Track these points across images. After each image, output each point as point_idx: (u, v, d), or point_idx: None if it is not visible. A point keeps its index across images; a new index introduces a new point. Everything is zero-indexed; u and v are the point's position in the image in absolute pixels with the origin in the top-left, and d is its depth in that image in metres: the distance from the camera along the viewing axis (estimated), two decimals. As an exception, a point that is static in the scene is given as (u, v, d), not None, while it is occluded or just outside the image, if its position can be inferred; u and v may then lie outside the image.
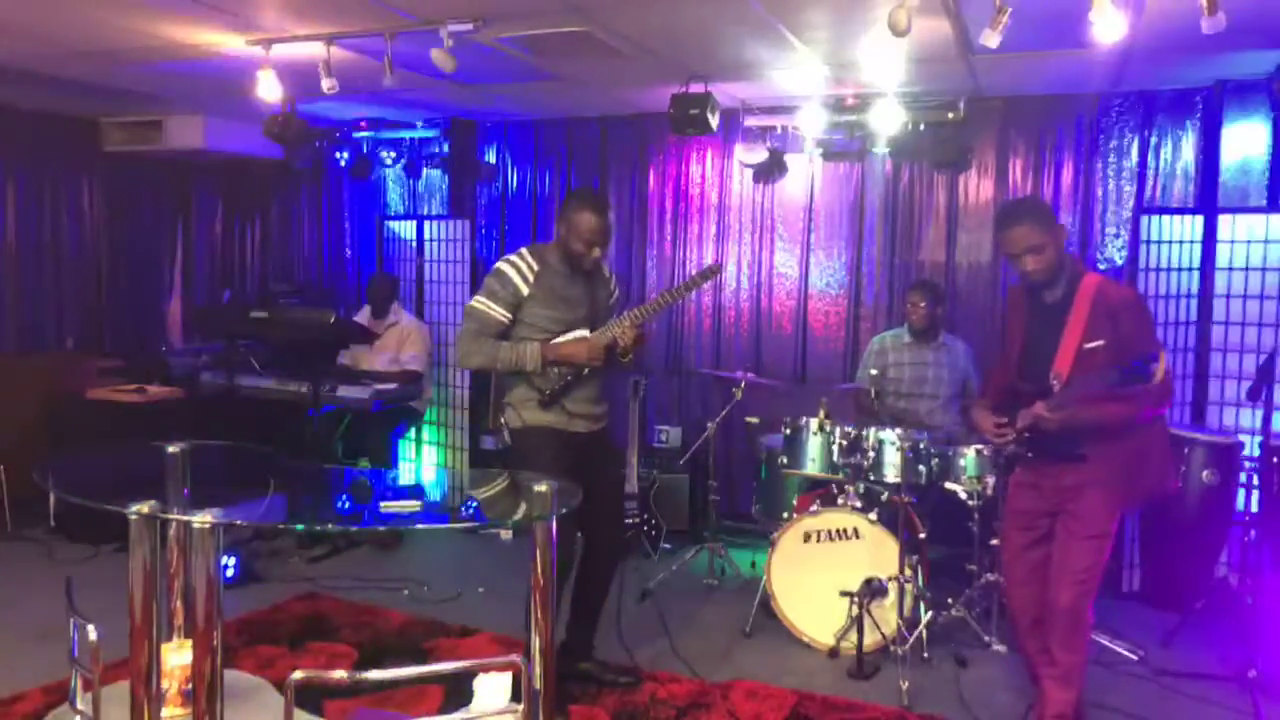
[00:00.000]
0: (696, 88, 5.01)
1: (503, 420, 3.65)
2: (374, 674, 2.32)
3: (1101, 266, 5.34)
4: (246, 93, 4.61)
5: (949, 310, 5.40)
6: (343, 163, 6.86)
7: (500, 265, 3.57)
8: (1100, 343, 3.04)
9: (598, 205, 3.52)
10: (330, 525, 4.44)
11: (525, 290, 3.52)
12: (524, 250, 3.61)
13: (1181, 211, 5.04)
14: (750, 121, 5.80)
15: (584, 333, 3.59)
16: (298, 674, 2.10)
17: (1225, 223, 4.93)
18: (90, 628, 2.30)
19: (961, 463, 4.29)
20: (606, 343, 3.57)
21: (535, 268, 3.54)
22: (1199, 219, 4.99)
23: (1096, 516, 3.14)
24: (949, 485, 4.34)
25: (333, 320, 5.45)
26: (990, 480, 4.19)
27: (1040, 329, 3.23)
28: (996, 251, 5.50)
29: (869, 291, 5.87)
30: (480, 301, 3.55)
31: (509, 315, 3.53)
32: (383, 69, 4.20)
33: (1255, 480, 4.40)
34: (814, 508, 4.29)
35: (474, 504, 3.23)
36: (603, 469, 3.71)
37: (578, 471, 3.24)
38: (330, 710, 3.34)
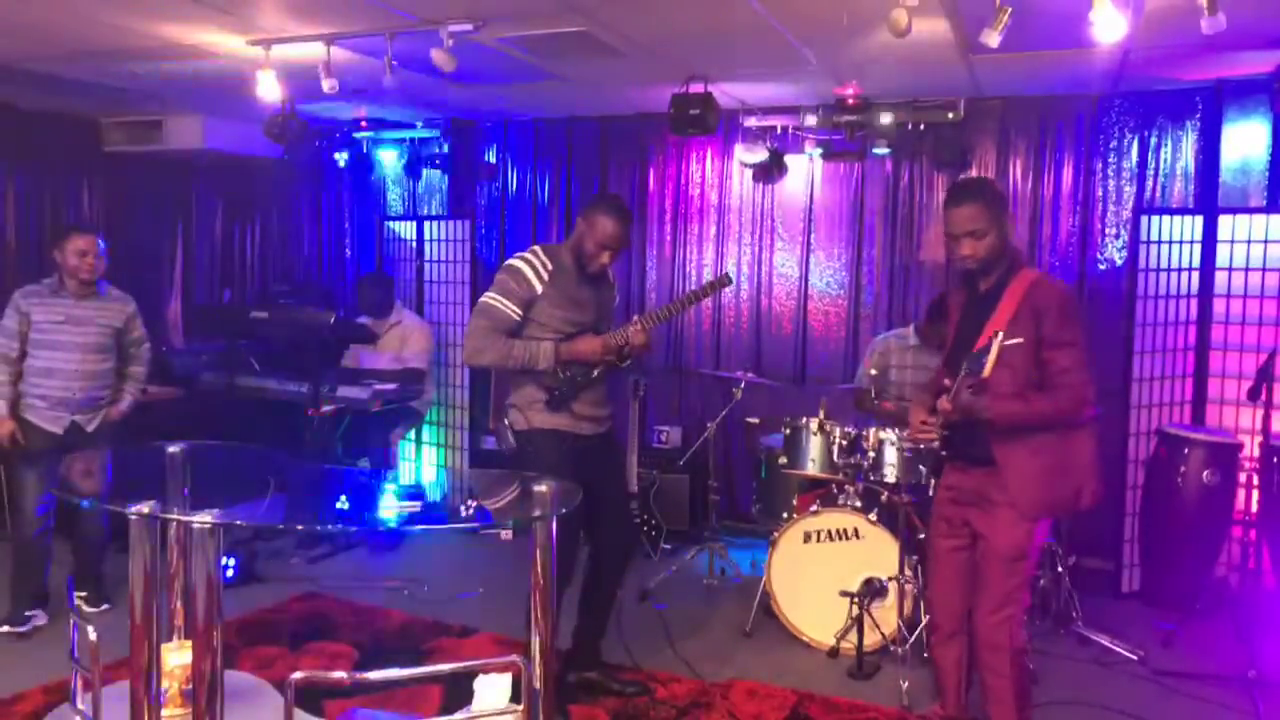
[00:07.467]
0: (696, 88, 5.00)
1: (506, 422, 3.61)
2: (374, 674, 2.32)
3: (1101, 266, 5.35)
4: (246, 93, 4.60)
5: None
6: (343, 163, 6.86)
7: (514, 262, 3.51)
8: (1019, 340, 2.92)
9: (621, 213, 3.52)
10: (330, 525, 4.46)
11: (539, 288, 3.47)
12: (537, 248, 3.57)
13: (1181, 212, 5.04)
14: (750, 121, 5.80)
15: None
16: (298, 674, 2.11)
17: (1225, 223, 4.92)
18: (90, 628, 2.30)
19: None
20: (619, 343, 3.55)
21: (549, 266, 3.50)
22: (1199, 219, 4.99)
23: (1011, 538, 3.01)
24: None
25: (333, 320, 5.45)
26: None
27: (969, 321, 3.13)
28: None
29: (869, 291, 5.87)
30: (493, 298, 3.47)
31: (521, 313, 3.47)
32: (383, 69, 4.20)
33: (1255, 480, 4.40)
34: (814, 508, 4.29)
35: (474, 504, 3.23)
36: (609, 472, 3.68)
37: (584, 474, 3.22)
38: (330, 710, 3.34)
